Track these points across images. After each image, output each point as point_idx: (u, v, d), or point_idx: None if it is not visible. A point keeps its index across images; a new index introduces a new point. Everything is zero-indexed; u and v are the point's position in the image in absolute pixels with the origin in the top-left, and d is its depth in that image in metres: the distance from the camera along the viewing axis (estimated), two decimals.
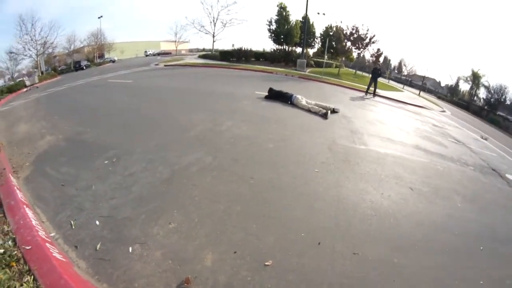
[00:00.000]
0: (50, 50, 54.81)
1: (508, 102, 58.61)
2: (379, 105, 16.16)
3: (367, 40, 36.59)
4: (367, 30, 36.24)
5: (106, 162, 5.46)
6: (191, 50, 43.84)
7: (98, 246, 3.29)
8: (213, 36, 48.69)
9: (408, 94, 32.05)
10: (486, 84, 66.48)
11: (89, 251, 3.25)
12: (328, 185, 5.03)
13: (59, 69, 53.65)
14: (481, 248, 4.20)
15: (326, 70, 30.23)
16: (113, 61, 62.03)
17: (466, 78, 72.34)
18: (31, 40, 49.79)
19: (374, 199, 4.80)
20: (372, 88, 20.05)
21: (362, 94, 19.73)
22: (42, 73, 48.23)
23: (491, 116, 51.24)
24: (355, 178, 5.43)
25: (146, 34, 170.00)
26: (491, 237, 4.62)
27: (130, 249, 3.25)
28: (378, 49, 42.98)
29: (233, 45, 36.09)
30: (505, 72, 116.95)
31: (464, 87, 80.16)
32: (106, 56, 72.05)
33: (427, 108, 21.82)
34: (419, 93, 44.46)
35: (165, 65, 30.74)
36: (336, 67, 40.88)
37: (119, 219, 3.78)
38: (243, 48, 36.39)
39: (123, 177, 4.90)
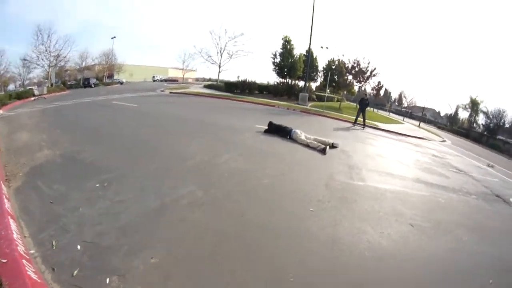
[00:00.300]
0: (62, 63, 55.71)
1: (507, 126, 59.04)
2: (379, 138, 16.09)
3: (368, 73, 36.82)
4: (368, 63, 36.65)
5: (97, 185, 5.20)
6: (197, 79, 44.57)
7: (76, 272, 3.03)
8: (219, 67, 49.53)
9: (408, 126, 32.27)
10: (484, 110, 67.51)
11: (65, 275, 2.99)
12: (323, 224, 4.69)
13: (68, 83, 54.53)
14: (490, 281, 3.91)
15: (327, 104, 30.53)
16: (121, 83, 63.15)
17: (465, 106, 73.58)
18: (46, 50, 51.03)
19: (372, 238, 4.45)
20: (360, 119, 19.98)
21: (360, 127, 19.46)
22: (51, 85, 50.23)
23: (491, 142, 51.01)
24: (352, 217, 5.11)
25: (156, 59, 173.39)
26: (500, 268, 4.37)
27: (108, 280, 2.97)
28: (379, 82, 43.14)
29: (238, 77, 36.44)
30: (503, 96, 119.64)
31: (463, 115, 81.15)
32: (115, 77, 74.37)
33: (427, 139, 21.65)
34: (419, 125, 44.58)
35: (170, 92, 30.92)
36: (337, 101, 40.95)
37: (101, 247, 3.51)
38: (247, 80, 36.61)
39: (112, 203, 4.64)
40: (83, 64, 68.82)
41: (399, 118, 48.36)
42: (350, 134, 15.49)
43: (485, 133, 61.15)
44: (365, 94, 23.40)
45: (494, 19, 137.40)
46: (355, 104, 42.10)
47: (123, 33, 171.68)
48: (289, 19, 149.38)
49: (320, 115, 22.89)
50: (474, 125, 71.54)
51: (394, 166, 9.65)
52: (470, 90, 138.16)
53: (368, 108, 23.93)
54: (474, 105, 69.60)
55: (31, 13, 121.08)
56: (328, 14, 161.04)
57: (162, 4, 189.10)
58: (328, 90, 38.08)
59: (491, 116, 63.10)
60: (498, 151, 38.35)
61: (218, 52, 49.75)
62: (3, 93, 33.45)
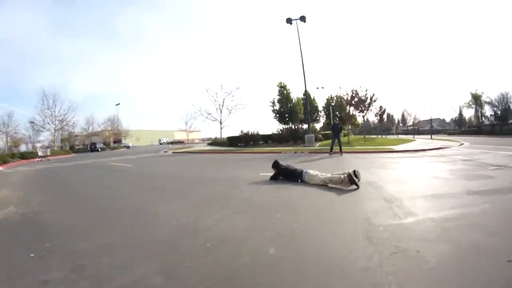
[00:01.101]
0: (67, 127, 59.48)
1: None
2: (400, 160, 14.19)
3: (368, 101, 35.20)
4: (366, 91, 35.09)
5: (32, 255, 3.88)
6: (203, 140, 43.48)
7: None
8: (220, 123, 48.50)
9: (421, 141, 31.06)
10: (488, 100, 66.74)
11: None
12: None
13: (76, 147, 58.62)
14: None
15: (342, 139, 27.83)
16: (128, 147, 65.13)
17: (468, 103, 72.77)
18: (51, 115, 54.53)
19: None
20: (336, 147, 18.92)
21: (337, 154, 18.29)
22: (61, 147, 54.46)
23: (504, 128, 50.16)
24: None
25: (161, 123, 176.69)
26: None
27: None
28: (381, 107, 41.43)
29: (241, 131, 34.54)
30: (504, 81, 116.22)
31: (468, 113, 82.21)
32: (123, 141, 77.43)
33: (446, 147, 20.90)
34: (431, 137, 42.96)
35: (173, 152, 29.85)
36: (344, 135, 38.93)
37: None
38: (249, 132, 35.00)
39: (35, 283, 3.03)
40: (90, 129, 74.26)
41: (409, 136, 46.07)
42: (369, 163, 13.22)
43: (495, 122, 59.20)
44: (336, 119, 23.09)
45: (481, 13, 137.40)
46: (362, 136, 39.92)
47: (128, 100, 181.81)
48: (282, 65, 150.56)
49: (329, 152, 19.92)
50: (483, 119, 69.81)
51: (433, 184, 7.53)
52: (470, 87, 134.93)
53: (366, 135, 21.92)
54: (476, 100, 68.23)
55: (40, 78, 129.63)
56: (318, 53, 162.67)
57: (159, 69, 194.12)
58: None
59: (496, 104, 61.86)
60: None
61: (217, 109, 49.33)
62: (7, 152, 35.18)
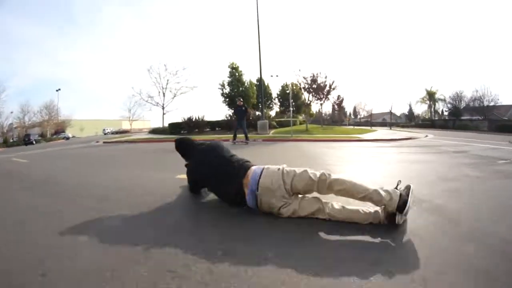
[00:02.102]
0: None
1: (470, 104, 60.03)
2: (385, 150, 11.50)
3: (328, 88, 31.77)
4: (326, 77, 31.52)
5: None
6: (152, 129, 36.52)
7: None
8: (163, 108, 41.66)
9: (382, 131, 30.42)
10: (441, 97, 69.66)
11: None
12: None
13: (11, 140, 51.55)
14: None
15: (295, 128, 25.65)
16: (67, 138, 57.53)
17: (423, 99, 74.16)
18: None
19: None
20: (240, 135, 15.90)
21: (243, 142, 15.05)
22: None
23: (458, 124, 52.09)
24: None
25: (110, 113, 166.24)
26: None
27: None
28: (339, 96, 38.45)
29: (183, 118, 29.16)
30: (457, 79, 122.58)
31: (421, 108, 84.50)
32: (67, 132, 68.70)
33: (415, 138, 19.43)
34: (390, 128, 41.71)
35: (103, 142, 24.69)
36: (300, 124, 35.57)
37: None
38: (193, 118, 29.63)
39: None
40: (26, 119, 66.16)
41: (365, 128, 44.38)
42: (349, 153, 10.15)
43: (449, 118, 61.90)
44: (241, 100, 17.05)
45: (441, 14, 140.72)
46: (319, 125, 36.61)
47: (73, 89, 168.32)
48: (234, 46, 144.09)
49: (292, 140, 16.69)
50: (435, 114, 72.71)
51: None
52: (421, 84, 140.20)
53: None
54: (431, 96, 70.47)
55: None
56: (273, 39, 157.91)
57: (105, 55, 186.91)
58: (292, 110, 33.47)
59: (451, 101, 64.57)
60: (471, 130, 39.43)
61: (159, 92, 42.28)
62: None
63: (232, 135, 15.93)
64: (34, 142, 44.82)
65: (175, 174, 5.46)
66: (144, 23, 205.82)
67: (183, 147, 4.06)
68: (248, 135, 15.98)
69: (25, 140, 46.05)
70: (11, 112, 63.21)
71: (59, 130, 69.68)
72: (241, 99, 17.25)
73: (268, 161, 6.91)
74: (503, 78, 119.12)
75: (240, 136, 15.95)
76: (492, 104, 55.47)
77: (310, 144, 14.08)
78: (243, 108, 15.92)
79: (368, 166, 7.23)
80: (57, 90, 68.58)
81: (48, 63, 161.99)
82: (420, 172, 6.01)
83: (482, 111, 54.49)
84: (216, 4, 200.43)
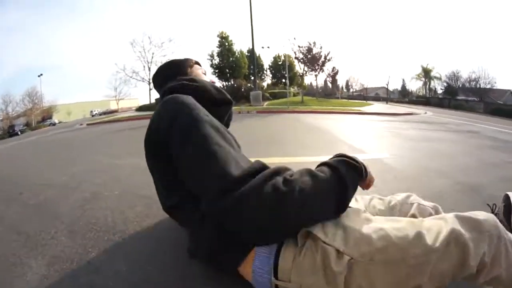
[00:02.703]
0: None
1: (466, 85, 57.71)
2: (399, 125, 10.47)
3: (323, 59, 30.51)
4: (321, 48, 30.71)
5: None
6: (140, 107, 34.06)
7: None
8: (149, 83, 39.22)
9: (380, 105, 30.20)
10: (437, 76, 67.26)
11: None
12: None
13: None
14: None
15: (291, 99, 23.98)
16: (54, 124, 54.89)
17: (418, 76, 71.79)
18: None
19: None
20: None
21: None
22: None
23: (453, 103, 50.62)
24: None
25: (97, 94, 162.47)
26: None
27: None
28: (333, 67, 37.20)
29: None
30: (454, 58, 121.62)
31: (413, 85, 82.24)
32: (54, 118, 66.38)
33: (415, 114, 19.10)
34: (387, 102, 41.01)
35: (87, 124, 23.29)
36: (294, 95, 34.40)
37: None
38: None
39: None
40: (10, 109, 62.39)
41: (359, 101, 43.50)
42: (363, 128, 9.41)
43: (443, 96, 60.55)
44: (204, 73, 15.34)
45: None
46: (314, 97, 35.46)
47: (56, 73, 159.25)
48: (223, 17, 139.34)
49: (290, 112, 15.66)
50: (430, 92, 70.75)
51: None
52: (419, 59, 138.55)
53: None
54: (426, 73, 68.52)
55: None
56: (264, 8, 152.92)
57: (85, 33, 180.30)
58: (277, 88, 32.29)
59: (447, 80, 62.40)
60: (466, 111, 38.27)
61: (144, 66, 40.88)
62: None
63: None
64: (19, 133, 42.56)
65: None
66: None
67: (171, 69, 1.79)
68: (242, 107, 15.16)
69: (10, 132, 44.31)
70: None
71: (46, 117, 66.70)
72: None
73: (274, 136, 6.36)
74: (501, 62, 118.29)
75: None
76: (488, 86, 54.17)
77: (310, 116, 13.07)
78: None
79: (398, 144, 6.28)
80: (39, 76, 65.45)
81: (26, 49, 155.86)
82: (462, 157, 5.10)
83: (478, 93, 53.15)
84: None
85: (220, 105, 1.64)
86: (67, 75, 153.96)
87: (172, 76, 1.66)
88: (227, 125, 1.78)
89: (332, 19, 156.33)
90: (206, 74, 1.87)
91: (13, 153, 10.37)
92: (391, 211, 1.52)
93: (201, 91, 1.51)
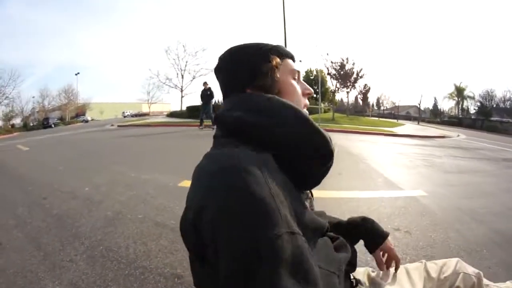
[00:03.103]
0: (7, 102, 49.79)
1: (501, 105, 55.81)
2: (427, 150, 9.98)
3: (355, 76, 29.82)
4: (353, 64, 29.58)
5: None
6: (171, 113, 33.91)
7: None
8: (181, 90, 40.18)
9: (411, 126, 28.72)
10: (471, 95, 63.41)
11: None
12: None
13: (31, 124, 50.09)
14: None
15: (321, 116, 23.43)
16: (86, 121, 56.12)
17: (451, 95, 68.32)
18: None
19: None
20: (207, 121, 14.76)
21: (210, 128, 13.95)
22: (13, 125, 46.69)
23: (486, 124, 47.31)
24: None
25: (130, 96, 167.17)
26: None
27: None
28: (365, 84, 36.43)
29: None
30: (487, 77, 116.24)
31: (446, 104, 78.75)
32: (87, 115, 67.68)
33: (448, 137, 17.45)
34: (418, 122, 39.61)
35: (118, 126, 23.38)
36: (324, 112, 33.77)
37: None
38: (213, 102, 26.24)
39: None
40: (45, 102, 65.74)
41: (390, 120, 42.26)
42: (404, 155, 8.61)
43: (476, 117, 56.47)
44: (205, 83, 15.11)
45: (476, 11, 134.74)
46: (346, 114, 34.80)
47: (92, 73, 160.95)
48: (257, 29, 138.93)
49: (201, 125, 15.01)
50: (463, 112, 66.79)
51: None
52: (452, 77, 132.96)
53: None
54: (459, 92, 64.63)
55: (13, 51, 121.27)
56: (297, 21, 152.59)
57: (126, 37, 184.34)
58: (319, 99, 31.69)
59: (480, 99, 59.02)
60: (501, 133, 35.95)
61: (178, 74, 40.67)
62: None
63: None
64: (52, 126, 44.05)
65: (178, 177, 4.18)
66: (160, 4, 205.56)
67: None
68: (208, 122, 14.90)
69: (44, 124, 45.63)
70: (33, 97, 63.17)
71: (79, 113, 68.75)
72: (207, 82, 15.15)
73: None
74: None
75: (207, 122, 14.80)
76: None
77: (342, 136, 12.61)
78: (208, 92, 14.64)
79: (433, 178, 5.74)
80: (76, 74, 68.52)
81: (67, 50, 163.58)
82: (502, 194, 4.60)
83: None
84: None
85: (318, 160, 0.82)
86: (102, 76, 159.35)
87: (236, 83, 0.89)
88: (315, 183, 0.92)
89: (365, 35, 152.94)
90: (300, 78, 0.97)
91: (42, 150, 10.50)
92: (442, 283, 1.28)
93: (290, 139, 0.77)
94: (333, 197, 3.58)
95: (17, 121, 55.32)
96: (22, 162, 8.23)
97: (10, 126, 45.51)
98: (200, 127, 14.59)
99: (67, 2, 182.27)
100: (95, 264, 2.08)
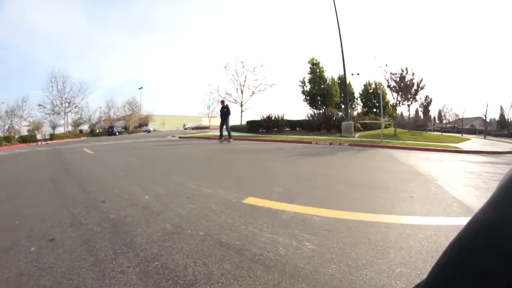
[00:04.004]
0: (76, 110, 56.65)
1: None
2: (497, 168, 8.47)
3: (415, 87, 27.47)
4: (413, 74, 27.24)
5: None
6: (232, 127, 34.85)
7: None
8: (241, 105, 39.93)
9: (478, 141, 26.97)
10: None
11: None
12: None
13: (97, 131, 56.59)
14: None
15: (384, 131, 21.31)
16: (148, 131, 61.59)
17: None
18: (60, 97, 52.24)
19: None
20: (225, 133, 17.38)
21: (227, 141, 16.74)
22: (80, 131, 53.80)
23: None
24: None
25: (190, 109, 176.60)
26: None
27: None
28: (426, 96, 34.44)
29: (262, 116, 26.87)
30: None
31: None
32: (149, 126, 75.03)
33: None
34: (485, 136, 37.23)
35: (179, 137, 24.49)
36: (385, 127, 32.29)
37: None
38: (273, 117, 26.47)
39: None
40: (112, 113, 73.59)
41: (454, 135, 39.49)
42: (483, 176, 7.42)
43: None
44: (223, 102, 19.05)
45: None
46: (406, 129, 33.19)
47: (156, 85, 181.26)
48: (314, 43, 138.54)
49: (383, 147, 14.25)
50: None
51: None
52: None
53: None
54: None
55: (80, 67, 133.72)
56: (354, 34, 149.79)
57: (187, 53, 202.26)
58: (368, 118, 30.66)
59: None
60: None
61: (237, 89, 40.69)
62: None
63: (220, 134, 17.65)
64: (117, 134, 48.77)
65: (242, 193, 3.88)
66: (218, 22, 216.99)
67: None
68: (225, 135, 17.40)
69: (109, 131, 50.57)
70: (100, 107, 71.57)
71: (142, 123, 75.58)
72: (224, 101, 18.94)
73: (373, 179, 5.20)
74: None
75: (225, 134, 17.36)
76: None
77: (406, 153, 11.68)
78: (225, 109, 17.23)
79: None
80: (139, 88, 74.98)
81: (131, 66, 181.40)
82: None
83: None
84: None
85: None
86: (164, 90, 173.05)
87: None
88: None
89: (424, 42, 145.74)
90: None
91: (106, 155, 10.91)
92: None
93: None
94: (408, 224, 3.11)
95: (85, 127, 63.41)
96: (87, 164, 8.58)
97: (78, 131, 51.94)
98: (220, 140, 17.22)
99: (132, 24, 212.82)
100: (148, 281, 1.81)
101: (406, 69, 26.73)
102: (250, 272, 1.92)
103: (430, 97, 36.26)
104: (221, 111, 17.43)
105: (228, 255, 2.18)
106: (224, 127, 17.20)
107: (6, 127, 55.82)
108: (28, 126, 57.90)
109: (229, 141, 16.58)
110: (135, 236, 2.57)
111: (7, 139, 26.57)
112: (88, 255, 2.23)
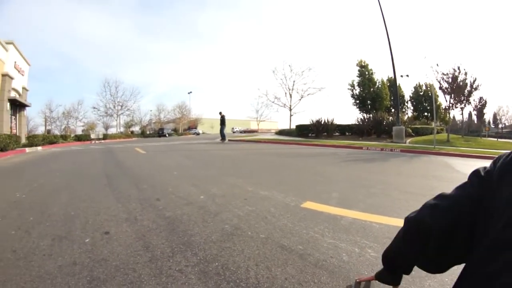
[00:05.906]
0: (128, 113, 60.83)
1: None
2: None
3: (468, 88, 24.37)
4: (466, 74, 24.19)
5: None
6: (280, 131, 34.15)
7: None
8: (290, 109, 39.12)
9: None
10: None
11: None
12: None
13: (147, 133, 58.32)
14: None
15: (438, 136, 20.32)
16: (197, 134, 63.81)
17: None
18: (113, 101, 56.94)
19: None
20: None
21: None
22: (132, 132, 56.59)
23: None
24: None
25: (240, 113, 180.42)
26: None
27: None
28: (481, 98, 32.03)
29: (311, 120, 26.32)
30: None
31: None
32: (198, 128, 77.42)
33: None
34: None
35: (229, 140, 24.44)
36: (438, 133, 30.50)
37: None
38: (322, 121, 25.89)
39: None
40: (162, 116, 77.26)
41: (511, 141, 36.26)
42: None
43: None
44: (220, 112, 23.40)
45: None
46: (461, 135, 31.34)
47: (206, 90, 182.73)
48: (362, 45, 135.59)
49: (437, 153, 13.16)
50: None
51: None
52: None
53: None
54: None
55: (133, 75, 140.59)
56: (403, 34, 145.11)
57: (235, 58, 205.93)
58: (418, 122, 29.31)
59: None
60: None
61: (286, 93, 40.04)
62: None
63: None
64: (167, 135, 50.94)
65: (300, 197, 3.75)
66: (264, 26, 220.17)
67: None
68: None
69: (159, 133, 52.58)
70: (150, 110, 74.86)
71: (191, 126, 78.74)
72: (221, 112, 23.02)
73: (430, 189, 4.81)
74: None
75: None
76: None
77: (461, 161, 10.67)
78: (222, 118, 22.64)
79: None
80: (188, 93, 77.83)
81: (181, 71, 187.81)
82: None
83: None
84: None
85: None
86: (213, 94, 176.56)
87: None
88: None
89: (475, 38, 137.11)
90: None
91: (158, 155, 11.16)
92: None
93: None
94: None
95: (136, 128, 66.59)
96: (140, 163, 8.78)
97: (129, 132, 54.74)
98: (222, 140, 21.86)
99: (180, 32, 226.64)
100: (208, 282, 1.73)
101: (459, 68, 24.19)
102: (315, 278, 1.82)
103: (484, 99, 33.66)
104: (223, 119, 22.60)
105: (291, 259, 2.07)
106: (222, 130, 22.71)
107: (63, 127, 62.03)
108: (82, 126, 62.93)
109: (222, 142, 21.41)
110: (193, 235, 2.53)
111: (64, 137, 28.43)
112: (144, 251, 2.22)
